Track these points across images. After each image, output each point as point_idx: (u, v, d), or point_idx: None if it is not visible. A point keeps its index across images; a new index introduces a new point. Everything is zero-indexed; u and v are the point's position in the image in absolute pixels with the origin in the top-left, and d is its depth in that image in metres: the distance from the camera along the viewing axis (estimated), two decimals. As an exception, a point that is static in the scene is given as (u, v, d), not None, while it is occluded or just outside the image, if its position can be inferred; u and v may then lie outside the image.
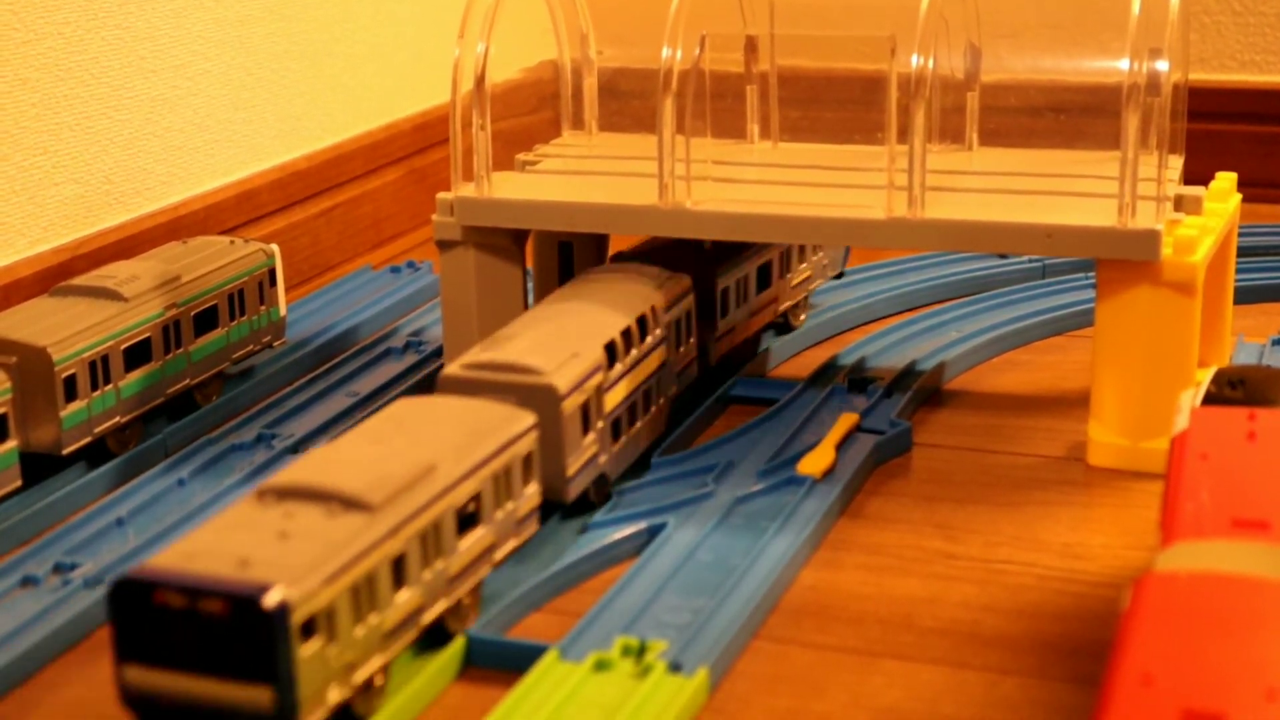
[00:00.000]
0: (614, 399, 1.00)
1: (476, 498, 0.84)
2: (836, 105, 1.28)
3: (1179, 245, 1.03)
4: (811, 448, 1.06)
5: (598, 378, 0.98)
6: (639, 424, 1.04)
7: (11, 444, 1.01)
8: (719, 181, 1.16)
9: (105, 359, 1.07)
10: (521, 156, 1.26)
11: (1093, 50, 1.18)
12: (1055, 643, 0.86)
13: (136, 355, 1.10)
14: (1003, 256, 1.44)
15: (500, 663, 0.84)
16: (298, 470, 0.80)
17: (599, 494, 1.00)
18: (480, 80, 1.13)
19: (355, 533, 0.75)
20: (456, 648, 0.84)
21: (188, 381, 1.15)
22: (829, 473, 1.03)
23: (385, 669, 0.78)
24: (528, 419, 0.90)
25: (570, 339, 0.99)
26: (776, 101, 1.28)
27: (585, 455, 0.97)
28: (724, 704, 0.81)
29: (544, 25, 1.28)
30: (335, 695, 0.74)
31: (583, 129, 1.31)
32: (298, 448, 1.10)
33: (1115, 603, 0.88)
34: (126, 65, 1.29)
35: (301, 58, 1.50)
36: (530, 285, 1.28)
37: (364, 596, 0.75)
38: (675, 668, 0.81)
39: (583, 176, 1.22)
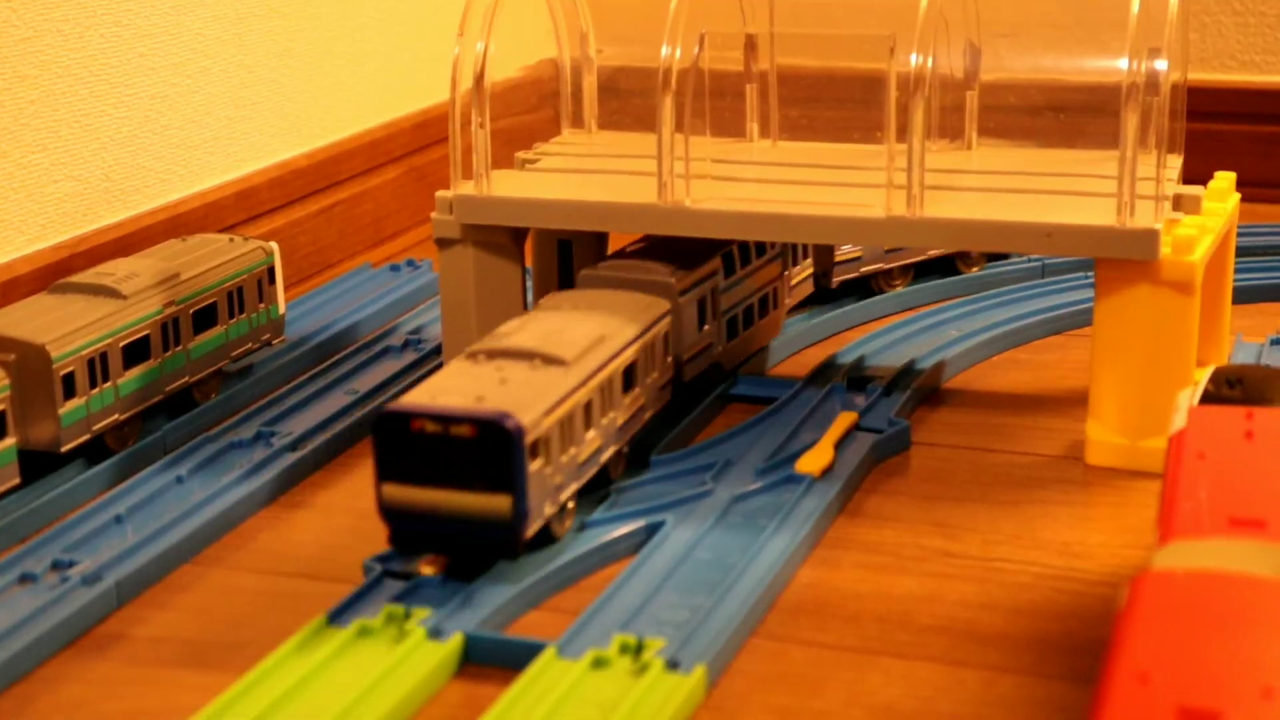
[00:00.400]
0: (729, 300, 1.17)
1: (634, 364, 1.02)
2: (836, 104, 1.28)
3: (1178, 245, 1.03)
4: (810, 446, 1.06)
5: (714, 280, 1.15)
6: (754, 324, 1.21)
7: (10, 441, 1.01)
8: (718, 180, 1.16)
9: (104, 356, 1.07)
10: (521, 155, 1.26)
11: (1092, 49, 1.18)
12: (1053, 641, 0.86)
13: (135, 353, 1.10)
14: (993, 259, 1.44)
15: (498, 660, 0.84)
16: (496, 339, 0.98)
17: (715, 376, 1.17)
18: (480, 78, 1.13)
19: (557, 381, 0.93)
20: (454, 644, 0.84)
21: (186, 379, 1.15)
22: (828, 471, 1.03)
23: (573, 496, 0.95)
24: (664, 305, 1.07)
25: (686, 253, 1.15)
26: (776, 100, 1.28)
27: (702, 343, 1.14)
28: (721, 702, 0.81)
29: (544, 23, 1.28)
30: (548, 510, 0.91)
31: (582, 127, 1.31)
32: (296, 445, 1.10)
33: (1112, 601, 0.88)
34: (125, 62, 1.29)
35: (301, 55, 1.50)
36: (530, 283, 1.28)
37: (566, 431, 0.93)
38: (673, 665, 0.81)
39: (582, 175, 1.22)
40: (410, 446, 0.88)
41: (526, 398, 0.90)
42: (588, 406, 0.95)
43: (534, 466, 0.89)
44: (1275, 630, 0.64)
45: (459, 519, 0.89)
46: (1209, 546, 0.72)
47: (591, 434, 0.96)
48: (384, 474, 0.89)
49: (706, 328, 1.14)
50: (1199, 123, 1.52)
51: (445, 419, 0.88)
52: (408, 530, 0.90)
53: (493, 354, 0.95)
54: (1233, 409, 0.85)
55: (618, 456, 1.01)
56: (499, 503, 0.88)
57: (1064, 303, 1.35)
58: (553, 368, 0.94)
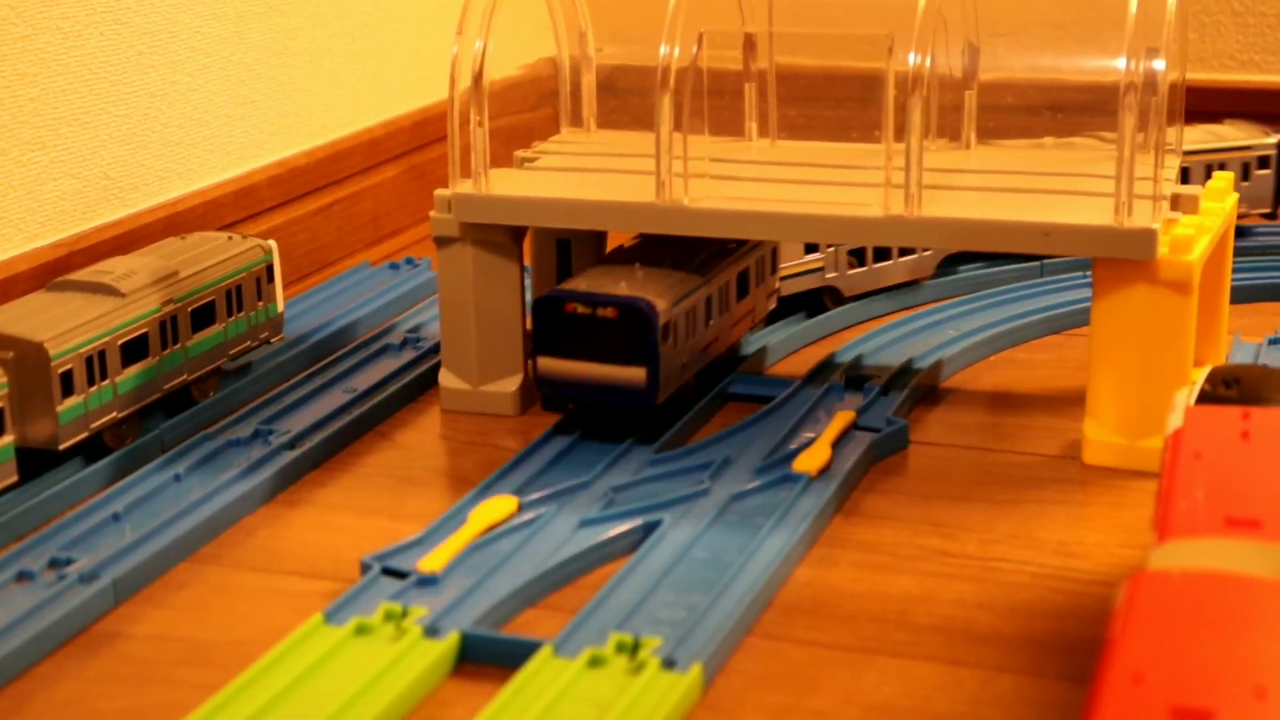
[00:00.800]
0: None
1: (746, 272, 1.19)
2: (835, 103, 1.28)
3: (1175, 244, 1.03)
4: (807, 445, 1.06)
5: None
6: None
7: (8, 439, 1.01)
8: (717, 179, 1.16)
9: (102, 354, 1.07)
10: (520, 153, 1.26)
11: (1090, 49, 1.18)
12: (1049, 640, 0.86)
13: (134, 351, 1.10)
14: (991, 259, 1.44)
15: (494, 658, 0.84)
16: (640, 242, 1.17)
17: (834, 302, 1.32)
18: (478, 77, 1.13)
19: (686, 278, 1.11)
20: (451, 643, 0.84)
21: (185, 377, 1.15)
22: (825, 470, 1.04)
23: (695, 375, 1.13)
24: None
25: None
26: (775, 99, 1.28)
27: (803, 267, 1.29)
28: (717, 700, 0.81)
29: (543, 22, 1.28)
30: (674, 385, 1.09)
31: (581, 126, 1.31)
32: (294, 443, 1.10)
33: (1108, 601, 0.88)
34: (125, 60, 1.29)
35: (300, 53, 1.50)
36: (528, 282, 1.28)
37: (691, 320, 1.10)
38: (669, 664, 0.81)
39: (581, 174, 1.22)
40: (563, 326, 1.07)
41: (660, 289, 1.08)
42: (708, 300, 1.13)
43: (666, 347, 1.07)
44: (1270, 630, 0.64)
45: (602, 387, 1.07)
46: (1205, 546, 0.72)
47: (712, 324, 1.14)
48: (540, 349, 1.09)
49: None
50: (1199, 122, 1.52)
51: (593, 302, 1.06)
52: (558, 395, 1.10)
53: (634, 255, 1.14)
54: (1229, 409, 0.85)
55: (730, 350, 1.20)
56: (637, 374, 1.06)
57: (1062, 302, 1.35)
58: (680, 270, 1.12)
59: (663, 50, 1.09)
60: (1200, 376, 0.90)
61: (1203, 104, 1.63)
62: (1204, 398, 0.87)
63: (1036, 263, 1.43)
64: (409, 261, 1.50)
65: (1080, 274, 1.40)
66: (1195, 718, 0.58)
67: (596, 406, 1.09)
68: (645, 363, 1.06)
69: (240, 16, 1.41)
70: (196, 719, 0.78)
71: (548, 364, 1.08)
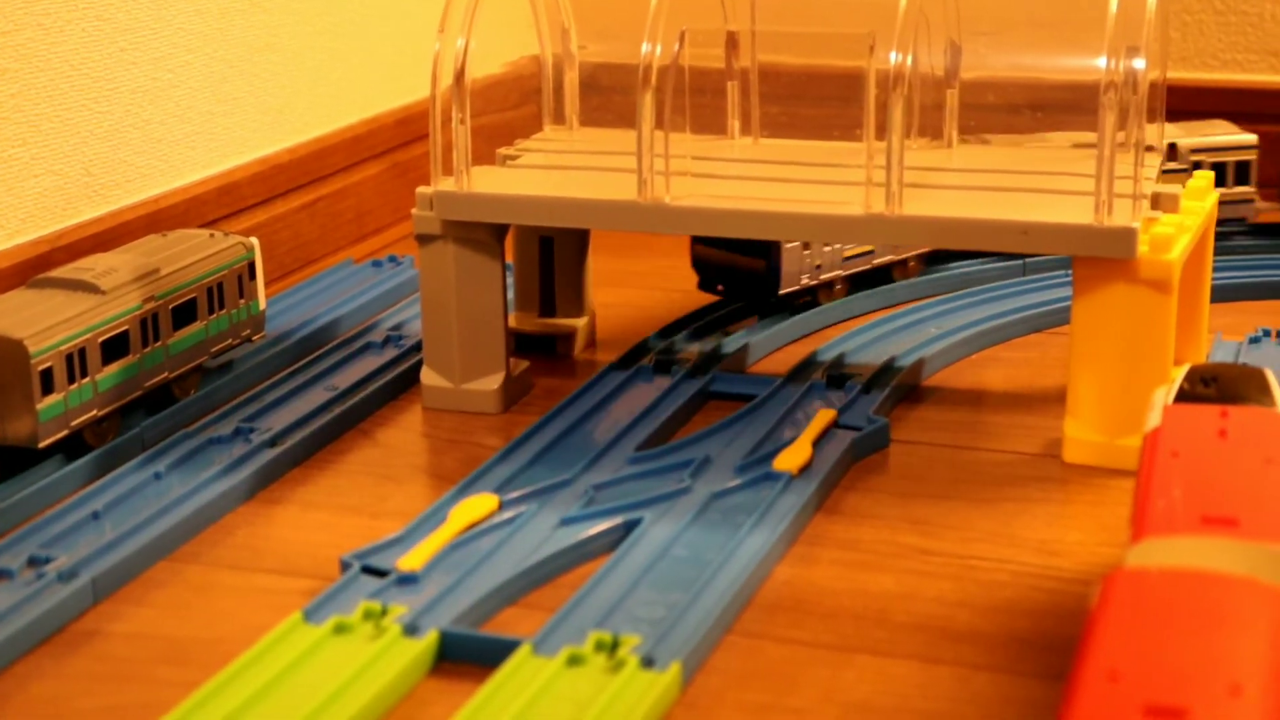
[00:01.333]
0: None
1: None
2: (817, 102, 1.28)
3: (1155, 243, 1.03)
4: (789, 444, 1.06)
5: None
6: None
7: (-12, 436, 1.01)
8: (698, 177, 1.16)
9: (83, 352, 1.07)
10: (502, 151, 1.26)
11: (1071, 48, 1.18)
12: (1028, 638, 0.86)
13: (114, 348, 1.10)
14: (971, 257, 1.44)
15: (473, 657, 0.84)
16: None
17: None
18: (460, 74, 1.13)
19: None
20: (429, 642, 0.84)
21: (166, 375, 1.15)
22: (806, 469, 1.04)
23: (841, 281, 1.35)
24: None
25: None
26: (757, 97, 1.28)
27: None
28: (696, 699, 0.81)
29: (525, 19, 1.28)
30: (805, 280, 1.32)
31: (564, 124, 1.31)
32: (275, 441, 1.10)
33: (1086, 599, 0.88)
34: (107, 57, 1.28)
35: (283, 50, 1.49)
36: (510, 280, 1.28)
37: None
38: (648, 663, 0.81)
39: (562, 171, 1.22)
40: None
41: None
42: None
43: (788, 245, 1.29)
44: (1245, 628, 0.64)
45: (738, 272, 1.33)
46: (1181, 544, 0.72)
47: (813, 252, 1.33)
48: (694, 240, 1.36)
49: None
50: (1180, 121, 1.52)
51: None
52: (707, 277, 1.36)
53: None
54: (1207, 407, 0.85)
55: (829, 287, 1.35)
56: (759, 264, 1.31)
57: (1044, 300, 1.35)
58: None
59: (645, 48, 1.09)
60: (1179, 375, 0.90)
61: (1185, 103, 1.63)
62: (1182, 396, 0.87)
63: (1019, 261, 1.43)
64: (391, 259, 1.50)
65: (1062, 273, 1.40)
66: (1170, 715, 0.58)
67: (734, 289, 1.34)
68: (765, 257, 1.30)
69: (223, 13, 1.41)
70: (175, 717, 0.78)
71: (700, 251, 1.35)
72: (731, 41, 1.27)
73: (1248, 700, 0.59)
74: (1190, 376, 0.88)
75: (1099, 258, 1.03)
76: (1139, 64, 1.03)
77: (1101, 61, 1.02)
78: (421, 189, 1.15)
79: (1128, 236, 1.02)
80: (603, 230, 1.19)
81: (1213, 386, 0.87)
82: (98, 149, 1.28)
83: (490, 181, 1.17)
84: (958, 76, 1.22)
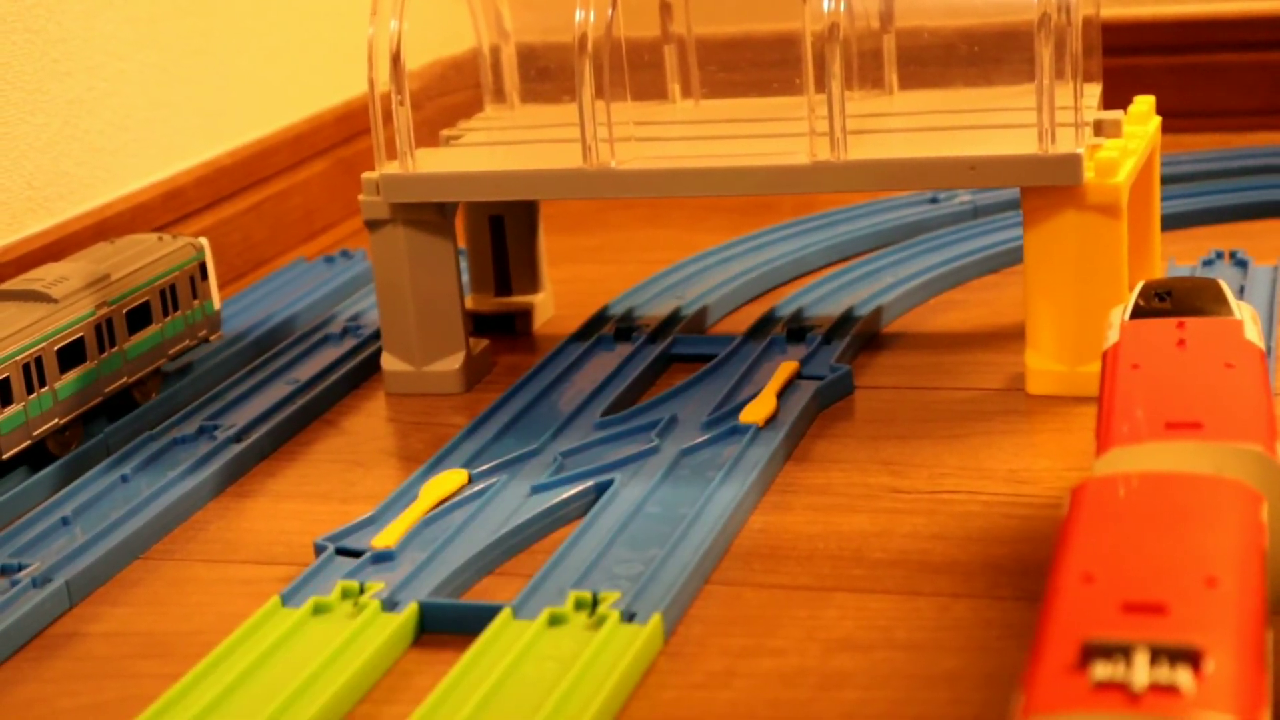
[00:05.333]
0: None
1: None
2: (756, 61, 1.28)
3: (1100, 168, 1.03)
4: (753, 398, 1.06)
5: None
6: None
7: (-51, 452, 1.00)
8: (643, 141, 1.16)
9: (39, 361, 1.06)
10: (445, 132, 1.26)
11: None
12: (1004, 565, 0.86)
13: (70, 356, 1.09)
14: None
15: (455, 626, 0.84)
16: None
17: None
18: (396, 56, 1.13)
19: None
20: (409, 614, 0.84)
21: (125, 380, 1.14)
22: (772, 420, 1.04)
23: None
24: None
25: None
26: (695, 59, 1.28)
27: None
28: (680, 648, 0.81)
29: (458, 1, 1.28)
30: None
31: (505, 102, 1.31)
32: (241, 436, 1.09)
33: (1058, 520, 0.89)
34: (39, 69, 1.28)
35: (217, 54, 1.49)
36: (464, 262, 1.28)
37: None
38: (629, 617, 0.81)
39: (506, 147, 1.22)
40: None
41: None
42: None
43: None
44: (1214, 523, 0.64)
45: None
46: (1147, 450, 0.72)
47: None
48: None
49: None
50: (1118, 57, 1.53)
51: None
52: None
53: None
54: (1164, 320, 0.86)
55: None
56: None
57: (997, 241, 1.35)
58: None
59: (578, 15, 1.09)
60: (1134, 293, 0.90)
61: (1121, 39, 1.64)
62: (1138, 312, 0.87)
63: (967, 205, 1.44)
64: (344, 254, 1.50)
65: (1014, 213, 1.41)
66: (1149, 611, 0.58)
67: None
68: None
69: (153, 19, 1.40)
70: (159, 708, 0.77)
71: None
72: (664, 5, 1.27)
73: (1224, 590, 0.59)
74: (1145, 292, 0.89)
75: (1047, 187, 1.03)
76: (1070, -9, 1.04)
77: (1033, -8, 1.02)
78: (367, 174, 1.14)
79: (1073, 163, 1.02)
80: (551, 200, 1.19)
81: (1168, 300, 0.88)
82: (38, 161, 1.28)
83: (435, 161, 1.17)
84: (893, 22, 1.22)
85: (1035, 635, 0.59)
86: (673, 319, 1.24)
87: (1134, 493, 0.67)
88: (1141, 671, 0.54)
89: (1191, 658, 0.54)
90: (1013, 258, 1.32)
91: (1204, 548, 0.62)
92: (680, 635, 0.82)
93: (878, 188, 1.09)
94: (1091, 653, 0.55)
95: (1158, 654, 0.55)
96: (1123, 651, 0.55)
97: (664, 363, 1.18)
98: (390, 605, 0.85)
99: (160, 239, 1.21)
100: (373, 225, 1.15)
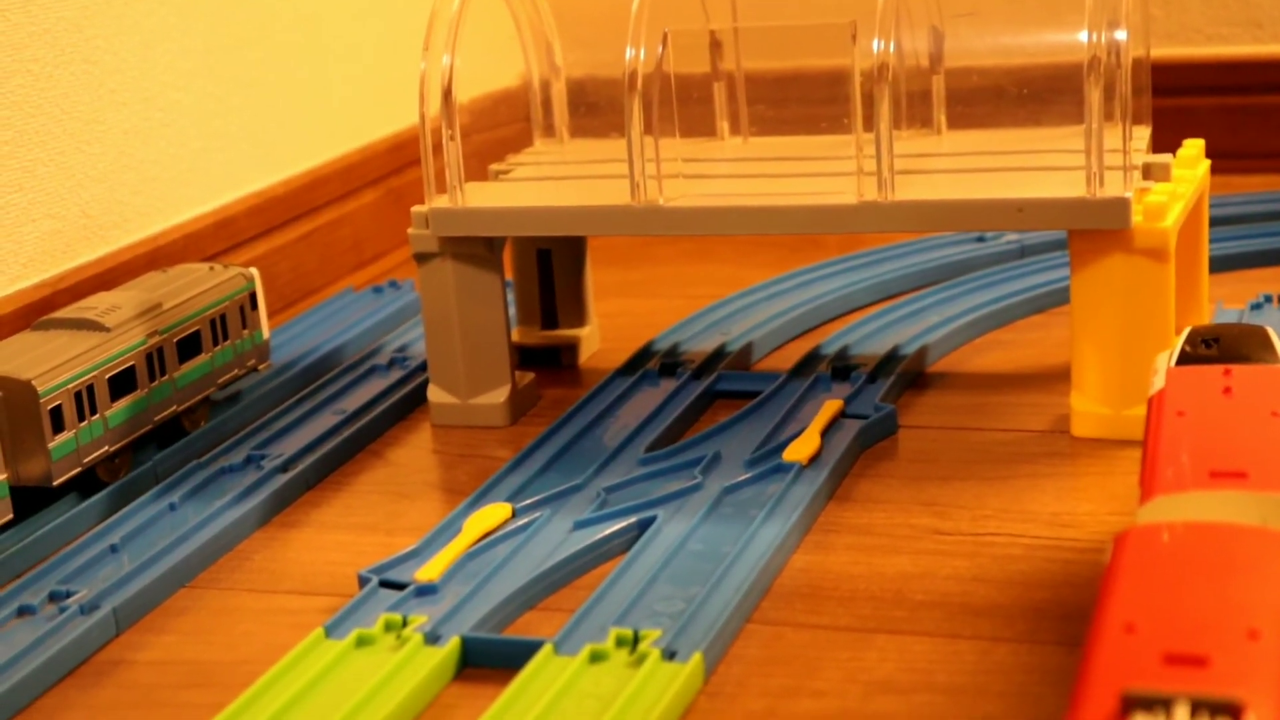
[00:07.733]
0: None
1: None
2: (805, 98, 1.29)
3: (1149, 212, 1.03)
4: (797, 435, 1.07)
5: None
6: None
7: (1, 478, 1.02)
8: (690, 178, 1.16)
9: (90, 389, 1.08)
10: (494, 166, 1.27)
11: (1052, 25, 1.18)
12: (1045, 609, 0.86)
13: (121, 384, 1.10)
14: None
15: (496, 661, 0.84)
16: None
17: None
18: (447, 91, 1.14)
19: None
20: (452, 648, 0.84)
21: (174, 408, 1.16)
22: (815, 458, 1.04)
23: None
24: None
25: None
26: (744, 97, 1.29)
27: None
28: (720, 687, 0.81)
29: (509, 34, 1.29)
30: None
31: (554, 137, 1.32)
32: (287, 466, 1.10)
33: (1100, 565, 0.89)
34: (96, 99, 1.29)
35: (271, 84, 1.50)
36: (511, 296, 1.28)
37: None
38: (670, 655, 0.82)
39: (555, 182, 1.23)
40: None
41: None
42: None
43: None
44: (1259, 574, 0.64)
45: None
46: (1191, 500, 0.72)
47: None
48: None
49: None
50: (1168, 98, 1.52)
51: None
52: None
53: None
54: (1210, 367, 0.85)
55: None
56: None
57: (1044, 282, 1.35)
58: None
59: (628, 53, 1.10)
60: (1180, 338, 0.90)
61: (1171, 79, 1.64)
62: (1185, 358, 0.87)
63: (1014, 245, 1.43)
64: (392, 284, 1.51)
65: (1061, 253, 1.41)
66: (1190, 663, 0.58)
67: None
68: None
69: (208, 50, 1.42)
70: (202, 737, 0.78)
71: None
72: (715, 42, 1.28)
73: (1266, 643, 0.59)
74: (1191, 338, 0.89)
75: (1094, 230, 1.03)
76: (1121, 35, 1.04)
77: (1084, 35, 1.03)
78: (417, 208, 1.15)
79: (1121, 207, 1.02)
80: (599, 236, 1.20)
81: (1214, 347, 0.88)
82: (94, 191, 1.29)
83: (484, 196, 1.18)
84: (942, 62, 1.23)
85: (1075, 684, 0.59)
86: (717, 355, 1.24)
87: (1177, 542, 0.67)
88: (1182, 724, 0.54)
89: (1232, 711, 0.54)
90: (1059, 298, 1.32)
91: (1247, 599, 0.62)
92: (720, 674, 0.82)
93: (924, 229, 1.09)
94: (1132, 704, 0.55)
95: (1198, 707, 0.55)
96: (1163, 704, 0.55)
97: (708, 399, 1.19)
98: (433, 639, 0.86)
99: (211, 269, 1.23)
100: (422, 258, 1.16)
